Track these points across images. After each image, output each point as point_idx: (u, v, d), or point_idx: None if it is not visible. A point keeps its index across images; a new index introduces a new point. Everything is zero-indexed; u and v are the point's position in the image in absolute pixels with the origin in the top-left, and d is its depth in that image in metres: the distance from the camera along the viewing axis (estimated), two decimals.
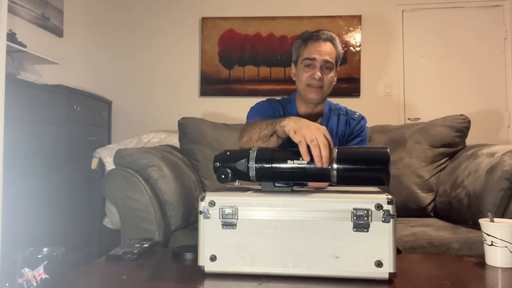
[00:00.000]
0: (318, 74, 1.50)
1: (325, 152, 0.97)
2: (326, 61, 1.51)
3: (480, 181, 1.72)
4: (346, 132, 1.62)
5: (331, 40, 1.54)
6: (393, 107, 3.61)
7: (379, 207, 0.93)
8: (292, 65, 1.63)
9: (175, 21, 3.78)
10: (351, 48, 3.60)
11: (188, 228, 1.79)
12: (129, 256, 1.17)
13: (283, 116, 1.45)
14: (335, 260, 0.93)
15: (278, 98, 1.70)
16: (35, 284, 0.83)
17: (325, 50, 1.52)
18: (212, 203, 0.98)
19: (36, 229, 2.30)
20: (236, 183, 1.09)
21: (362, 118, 1.65)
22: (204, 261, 0.97)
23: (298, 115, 1.60)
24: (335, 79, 1.58)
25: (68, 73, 3.31)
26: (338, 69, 1.60)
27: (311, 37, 1.54)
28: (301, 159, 1.01)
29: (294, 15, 3.66)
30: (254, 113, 1.58)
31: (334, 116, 1.62)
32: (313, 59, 1.51)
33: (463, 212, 1.80)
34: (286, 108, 1.63)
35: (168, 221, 1.72)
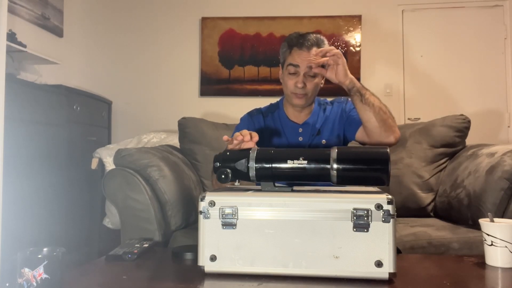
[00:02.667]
0: (300, 83, 1.49)
1: (246, 136, 1.14)
2: (310, 68, 1.48)
3: (480, 181, 1.72)
4: (338, 116, 1.61)
5: (316, 44, 1.50)
6: (393, 107, 3.59)
7: (379, 207, 0.93)
8: (280, 67, 1.62)
9: (175, 21, 3.78)
10: (351, 48, 3.59)
11: (188, 228, 1.80)
12: (129, 256, 1.17)
13: (264, 127, 1.61)
14: (335, 260, 0.93)
15: (263, 106, 1.70)
16: (35, 284, 0.83)
17: (309, 57, 1.48)
18: (212, 203, 0.98)
19: (36, 229, 2.30)
20: (236, 183, 1.09)
21: (348, 99, 1.63)
22: (204, 261, 0.97)
23: (287, 118, 1.62)
24: (323, 81, 1.56)
25: (68, 73, 3.31)
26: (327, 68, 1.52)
27: (296, 44, 1.51)
28: (301, 159, 1.01)
29: (294, 15, 3.65)
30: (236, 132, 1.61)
31: (322, 111, 1.63)
32: (297, 66, 1.50)
33: (463, 212, 1.80)
34: (273, 115, 1.63)
35: (168, 221, 1.72)
